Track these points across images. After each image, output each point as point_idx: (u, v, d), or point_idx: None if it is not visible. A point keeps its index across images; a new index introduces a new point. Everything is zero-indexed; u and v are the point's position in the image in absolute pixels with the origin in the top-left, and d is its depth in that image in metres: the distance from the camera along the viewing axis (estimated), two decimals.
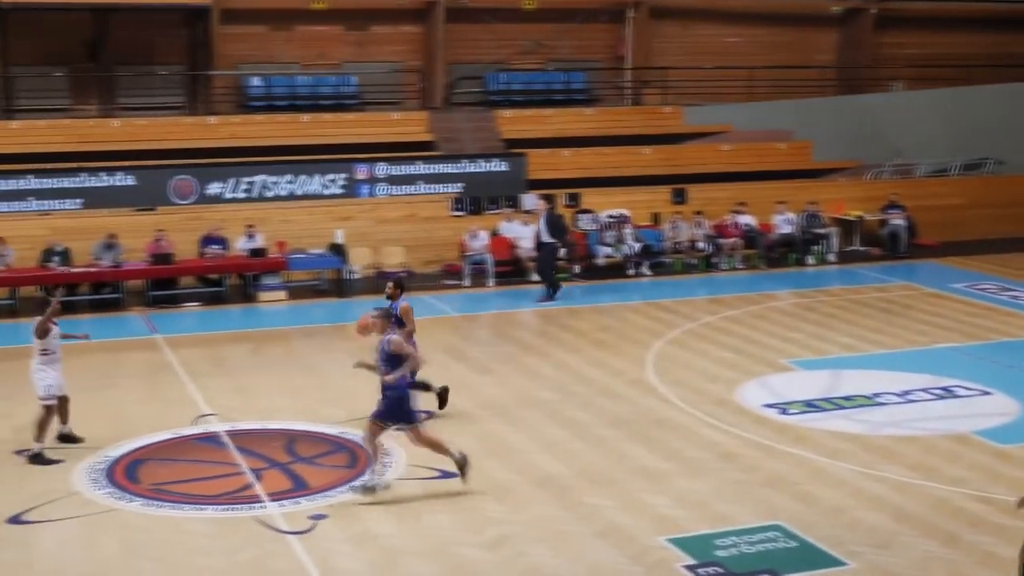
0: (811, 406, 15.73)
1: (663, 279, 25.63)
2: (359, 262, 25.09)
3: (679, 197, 28.44)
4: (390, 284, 15.05)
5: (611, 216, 26.89)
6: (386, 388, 12.29)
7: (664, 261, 26.50)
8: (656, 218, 27.64)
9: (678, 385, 16.83)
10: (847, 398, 16.06)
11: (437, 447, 12.55)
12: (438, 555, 10.90)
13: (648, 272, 25.98)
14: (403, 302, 14.78)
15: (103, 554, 11.03)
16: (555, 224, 23.82)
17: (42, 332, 13.69)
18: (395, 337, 12.65)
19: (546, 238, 23.56)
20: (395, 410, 12.35)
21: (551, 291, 23.39)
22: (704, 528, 11.52)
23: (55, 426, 13.93)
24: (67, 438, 14.14)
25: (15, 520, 11.87)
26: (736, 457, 13.70)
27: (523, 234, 25.38)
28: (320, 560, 10.78)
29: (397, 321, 13.95)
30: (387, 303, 14.69)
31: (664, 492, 12.55)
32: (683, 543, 11.12)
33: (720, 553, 10.90)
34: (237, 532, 11.51)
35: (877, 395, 16.11)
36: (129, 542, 11.30)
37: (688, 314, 21.71)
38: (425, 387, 14.79)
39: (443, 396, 15.25)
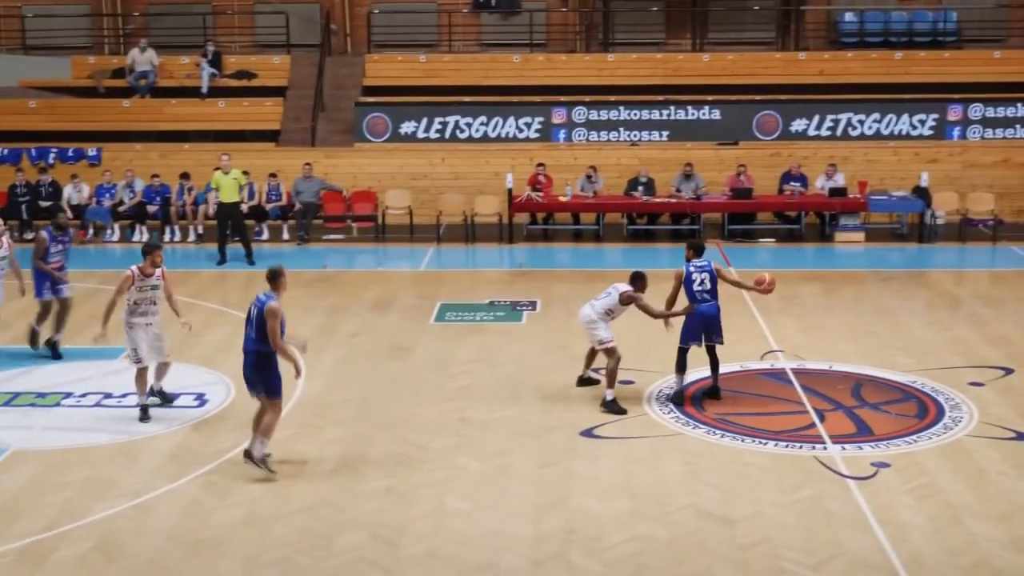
0: None
1: None
2: (943, 207, 23.96)
3: None
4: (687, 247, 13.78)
5: None
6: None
7: None
8: None
9: None
10: None
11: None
12: (1006, 520, 10.20)
13: None
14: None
15: (665, 474, 11.32)
16: None
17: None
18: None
19: None
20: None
21: None
22: None
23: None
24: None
25: (588, 433, 12.48)
26: None
27: None
28: (879, 508, 10.44)
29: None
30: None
31: None
32: None
33: None
34: (796, 470, 11.40)
35: None
36: (691, 466, 11.53)
37: None
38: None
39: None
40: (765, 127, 26.04)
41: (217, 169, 22.22)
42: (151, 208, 24.34)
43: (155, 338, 13.08)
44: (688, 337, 13.42)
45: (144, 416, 12.88)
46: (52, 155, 26.52)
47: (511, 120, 26.44)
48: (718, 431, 12.50)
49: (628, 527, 10.13)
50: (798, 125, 26.00)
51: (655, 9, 30.94)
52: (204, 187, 23.91)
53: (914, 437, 12.27)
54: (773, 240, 23.60)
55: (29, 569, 9.46)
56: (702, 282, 13.34)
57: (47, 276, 15.27)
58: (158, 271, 13.00)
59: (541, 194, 23.92)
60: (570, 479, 11.21)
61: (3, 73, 29.06)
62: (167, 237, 24.10)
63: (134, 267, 12.96)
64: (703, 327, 13.34)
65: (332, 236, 24.31)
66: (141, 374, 12.98)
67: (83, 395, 13.77)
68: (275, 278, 11.32)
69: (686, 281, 13.35)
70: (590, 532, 10.04)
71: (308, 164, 24.50)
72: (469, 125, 26.47)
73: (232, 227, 21.99)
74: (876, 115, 25.93)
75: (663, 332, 13.61)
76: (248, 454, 11.28)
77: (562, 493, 10.87)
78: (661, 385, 13.98)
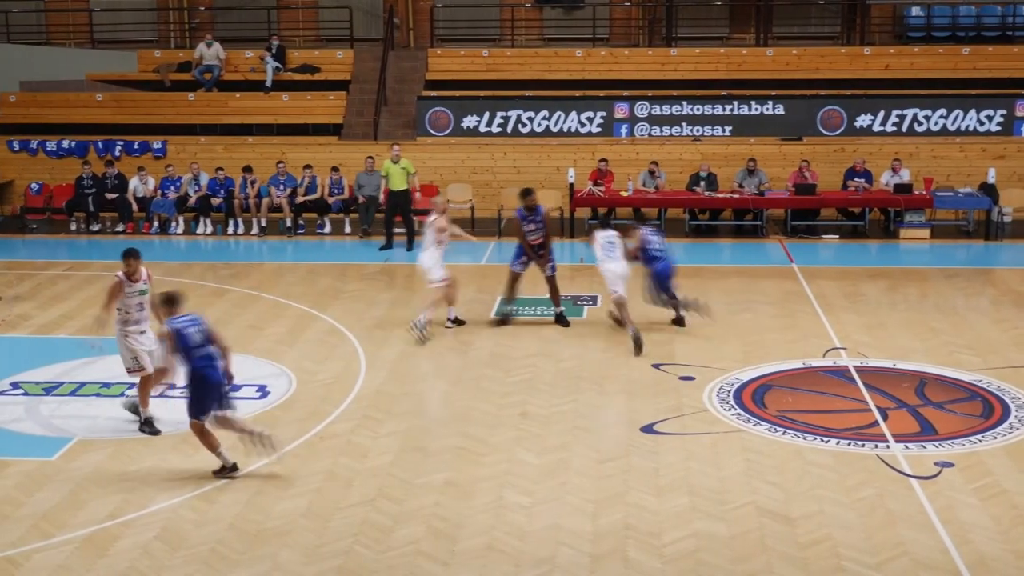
0: None
1: None
2: (1011, 204, 23.61)
3: None
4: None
5: None
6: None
7: None
8: None
9: None
10: None
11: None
12: None
13: None
14: None
15: (725, 472, 11.25)
16: None
17: None
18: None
19: None
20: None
21: None
22: None
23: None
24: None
25: (647, 429, 12.43)
26: None
27: None
28: (942, 508, 10.31)
29: None
30: None
31: None
32: None
33: None
34: (858, 469, 11.28)
35: None
36: (751, 464, 11.44)
37: None
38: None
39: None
40: (829, 122, 25.80)
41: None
42: (215, 201, 24.58)
43: (150, 343, 12.34)
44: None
45: (151, 428, 12.40)
46: (118, 148, 26.87)
47: (573, 115, 26.38)
48: (779, 428, 12.40)
49: (687, 524, 10.08)
50: (863, 120, 25.73)
51: (719, 3, 30.78)
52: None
53: (979, 437, 12.11)
54: (836, 236, 23.38)
55: (92, 558, 9.58)
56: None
57: (522, 249, 16.69)
58: (143, 276, 12.37)
59: (603, 189, 23.84)
60: (629, 475, 11.17)
61: (71, 67, 29.48)
62: (231, 230, 24.37)
63: (120, 273, 12.32)
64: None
65: (394, 230, 24.37)
66: (146, 382, 12.41)
67: None
68: (177, 302, 11.31)
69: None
70: (648, 528, 10.00)
71: (371, 158, 24.60)
72: (531, 119, 26.44)
73: (400, 214, 23.14)
74: (943, 111, 25.61)
75: (728, 331, 13.54)
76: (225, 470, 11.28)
77: (621, 488, 10.83)
78: (722, 382, 13.91)
